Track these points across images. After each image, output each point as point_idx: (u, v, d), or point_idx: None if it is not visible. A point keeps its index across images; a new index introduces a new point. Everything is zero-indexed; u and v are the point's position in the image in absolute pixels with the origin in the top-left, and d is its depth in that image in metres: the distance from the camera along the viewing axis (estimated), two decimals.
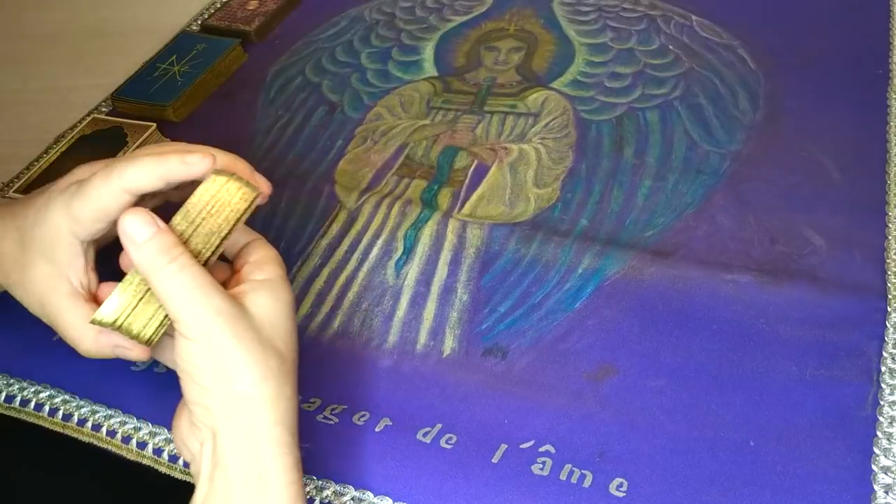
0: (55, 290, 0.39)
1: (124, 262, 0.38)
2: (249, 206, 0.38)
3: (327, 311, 0.51)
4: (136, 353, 0.38)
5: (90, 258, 0.40)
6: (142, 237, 0.35)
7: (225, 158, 0.39)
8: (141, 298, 0.37)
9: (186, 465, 0.44)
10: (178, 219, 0.37)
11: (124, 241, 0.35)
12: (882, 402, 0.42)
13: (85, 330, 0.39)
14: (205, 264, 0.37)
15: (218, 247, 0.37)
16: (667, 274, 0.49)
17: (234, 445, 0.34)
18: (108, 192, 0.37)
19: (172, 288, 0.34)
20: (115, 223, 0.37)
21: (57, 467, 0.48)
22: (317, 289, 0.52)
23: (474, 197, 0.56)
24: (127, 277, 0.37)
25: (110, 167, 0.38)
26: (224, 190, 0.38)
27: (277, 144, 0.63)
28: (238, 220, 0.38)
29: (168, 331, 0.37)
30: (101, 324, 0.37)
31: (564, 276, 0.50)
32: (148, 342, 0.37)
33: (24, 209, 0.41)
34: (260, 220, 0.57)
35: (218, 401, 0.34)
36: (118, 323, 0.37)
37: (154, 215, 0.35)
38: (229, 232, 0.37)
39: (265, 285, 0.37)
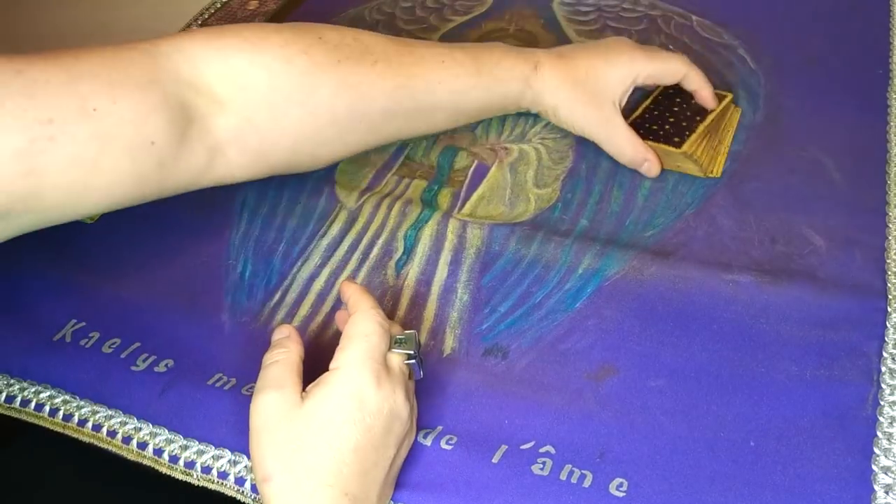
0: (609, 118, 0.56)
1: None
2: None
3: (328, 311, 0.50)
4: (656, 168, 0.56)
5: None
6: (277, 336, 0.42)
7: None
8: (707, 137, 0.57)
9: (187, 465, 0.44)
10: (694, 137, 0.57)
11: (277, 335, 0.43)
12: (882, 403, 0.42)
13: (627, 145, 0.56)
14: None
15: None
16: (667, 274, 0.49)
17: None
18: (674, 65, 0.57)
19: (265, 368, 0.40)
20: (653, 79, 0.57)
21: (57, 468, 0.48)
22: (317, 289, 0.52)
23: (474, 197, 0.56)
24: (703, 124, 0.58)
25: (678, 58, 0.58)
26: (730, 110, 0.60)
27: None
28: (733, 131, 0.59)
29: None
30: (671, 151, 0.57)
31: (565, 276, 0.50)
32: (708, 171, 0.56)
33: (575, 62, 0.56)
34: (261, 220, 0.57)
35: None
36: (690, 152, 0.56)
37: (293, 330, 0.43)
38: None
39: (323, 379, 0.39)
